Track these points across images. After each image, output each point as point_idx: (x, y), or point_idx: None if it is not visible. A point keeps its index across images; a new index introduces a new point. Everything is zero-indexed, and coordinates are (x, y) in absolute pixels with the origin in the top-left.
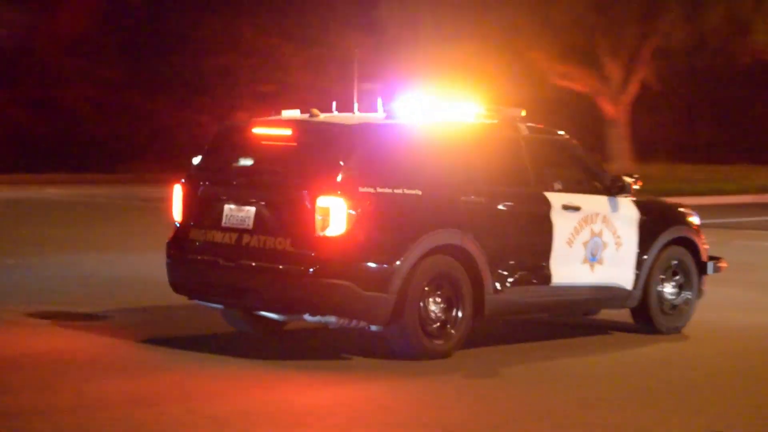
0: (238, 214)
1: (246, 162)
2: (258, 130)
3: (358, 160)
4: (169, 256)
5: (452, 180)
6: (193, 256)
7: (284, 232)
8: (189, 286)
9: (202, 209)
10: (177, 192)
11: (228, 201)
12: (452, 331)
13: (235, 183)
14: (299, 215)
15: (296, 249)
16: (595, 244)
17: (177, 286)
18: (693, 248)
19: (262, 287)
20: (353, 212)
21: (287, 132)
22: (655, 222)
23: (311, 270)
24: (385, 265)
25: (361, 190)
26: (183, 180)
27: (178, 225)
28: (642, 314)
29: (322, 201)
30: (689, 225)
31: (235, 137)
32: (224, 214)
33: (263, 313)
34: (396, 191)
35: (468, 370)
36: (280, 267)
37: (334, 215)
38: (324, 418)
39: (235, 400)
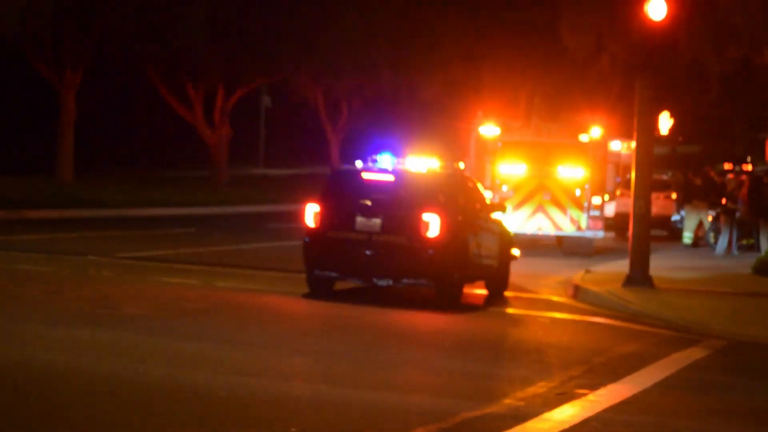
0: (368, 222)
1: (369, 193)
2: (367, 174)
3: (438, 193)
4: (308, 246)
5: (459, 205)
6: (331, 246)
7: (402, 233)
8: (323, 263)
9: (338, 219)
10: (311, 208)
11: (359, 215)
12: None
13: (364, 204)
14: (412, 224)
15: (410, 243)
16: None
17: (314, 264)
18: (511, 243)
19: (386, 264)
20: (441, 223)
21: (390, 177)
22: (503, 229)
23: (422, 255)
24: (452, 252)
25: (444, 210)
26: (316, 201)
27: (312, 228)
28: (495, 282)
29: (426, 216)
30: (509, 231)
31: (351, 177)
32: (356, 222)
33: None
34: (451, 212)
35: None
36: (400, 254)
37: (433, 225)
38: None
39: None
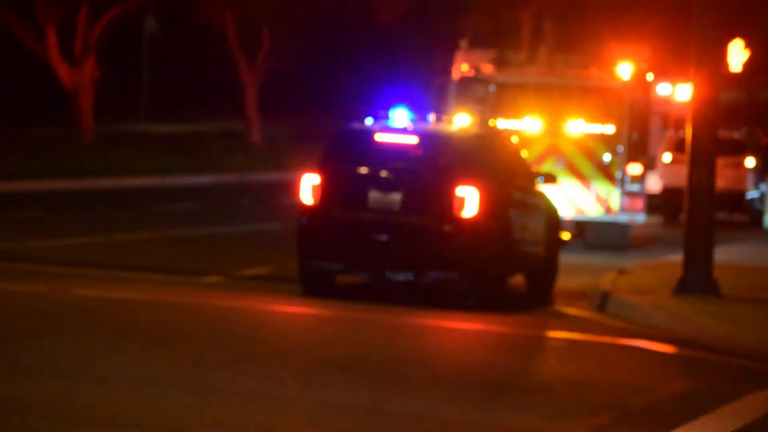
0: (385, 198)
1: (385, 160)
2: (382, 136)
3: (475, 160)
4: (305, 229)
5: (500, 175)
6: (336, 229)
7: (429, 212)
8: (325, 252)
9: (345, 194)
10: (309, 179)
11: (372, 189)
12: None
13: (379, 176)
14: (442, 200)
15: (440, 225)
16: None
17: (311, 252)
18: (560, 223)
19: (407, 253)
20: (481, 199)
21: (412, 139)
22: (550, 205)
23: (456, 240)
24: (494, 237)
25: (483, 183)
26: (315, 170)
27: (311, 206)
28: (540, 275)
29: (461, 190)
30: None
31: (360, 140)
32: (369, 198)
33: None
34: (492, 184)
35: None
36: (425, 239)
37: (469, 201)
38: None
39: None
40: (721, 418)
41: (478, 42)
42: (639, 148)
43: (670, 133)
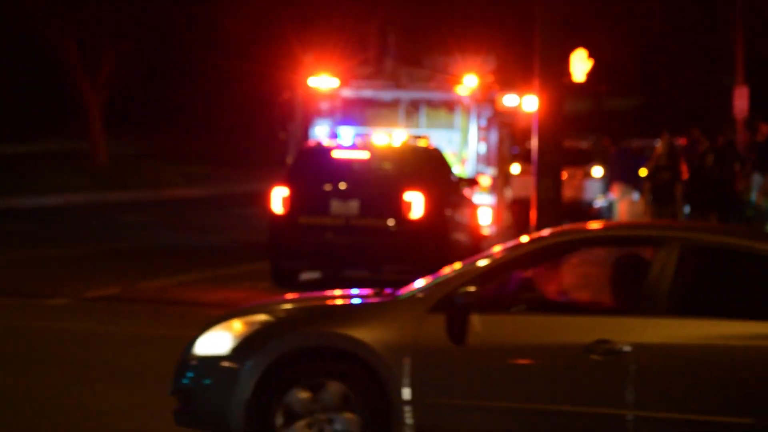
0: (344, 205)
1: (343, 172)
2: (338, 152)
3: (418, 170)
4: (276, 234)
5: (438, 181)
6: (303, 234)
7: (382, 216)
8: (293, 254)
9: (310, 203)
10: (279, 192)
11: (334, 198)
12: None
13: (338, 186)
14: (393, 205)
15: (392, 226)
16: None
17: (282, 254)
18: (480, 220)
19: (365, 251)
20: (426, 203)
21: (365, 154)
22: (473, 205)
23: (406, 238)
24: (437, 234)
25: (427, 188)
26: (284, 184)
27: (280, 215)
28: None
29: (408, 195)
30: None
31: (320, 156)
32: (332, 206)
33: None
34: (433, 190)
35: None
36: (380, 239)
37: (416, 205)
38: None
39: None
40: None
41: (325, 56)
42: (487, 161)
43: (520, 145)
